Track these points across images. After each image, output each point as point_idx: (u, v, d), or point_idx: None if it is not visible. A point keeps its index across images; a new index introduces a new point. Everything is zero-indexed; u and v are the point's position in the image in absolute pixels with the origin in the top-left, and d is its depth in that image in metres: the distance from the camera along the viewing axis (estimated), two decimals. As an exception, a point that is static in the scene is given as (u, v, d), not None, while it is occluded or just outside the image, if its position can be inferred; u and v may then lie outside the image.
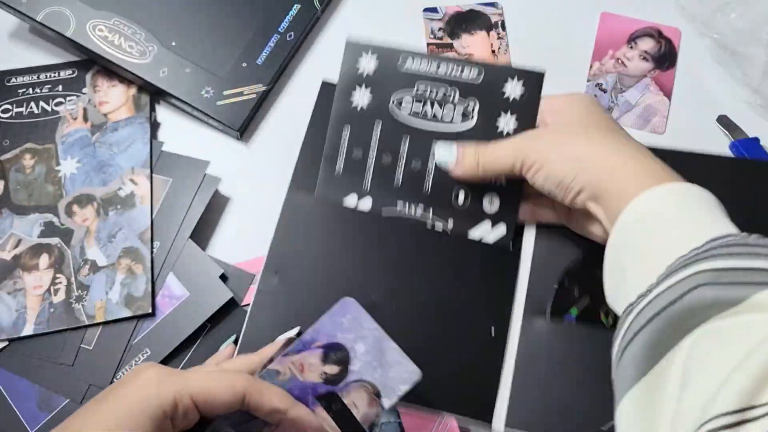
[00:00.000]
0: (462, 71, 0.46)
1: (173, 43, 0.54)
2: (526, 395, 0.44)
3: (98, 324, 0.47)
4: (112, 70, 0.55)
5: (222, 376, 0.35)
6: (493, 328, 0.45)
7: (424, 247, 0.46)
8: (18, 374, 0.46)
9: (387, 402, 0.37)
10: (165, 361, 0.46)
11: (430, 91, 0.46)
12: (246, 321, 0.43)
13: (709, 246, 0.32)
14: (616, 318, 0.47)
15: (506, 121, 0.46)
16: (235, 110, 0.53)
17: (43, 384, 0.45)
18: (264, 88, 0.54)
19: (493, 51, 0.58)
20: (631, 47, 0.58)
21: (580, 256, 0.48)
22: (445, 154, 0.45)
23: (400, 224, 0.47)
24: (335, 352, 0.37)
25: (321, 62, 0.57)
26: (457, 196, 0.46)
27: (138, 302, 0.47)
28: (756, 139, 0.54)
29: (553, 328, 0.46)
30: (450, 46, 0.58)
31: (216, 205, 0.52)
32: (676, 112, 0.56)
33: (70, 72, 0.56)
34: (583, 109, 0.43)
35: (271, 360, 0.37)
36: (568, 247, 0.48)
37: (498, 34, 0.59)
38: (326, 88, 0.49)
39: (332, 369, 0.37)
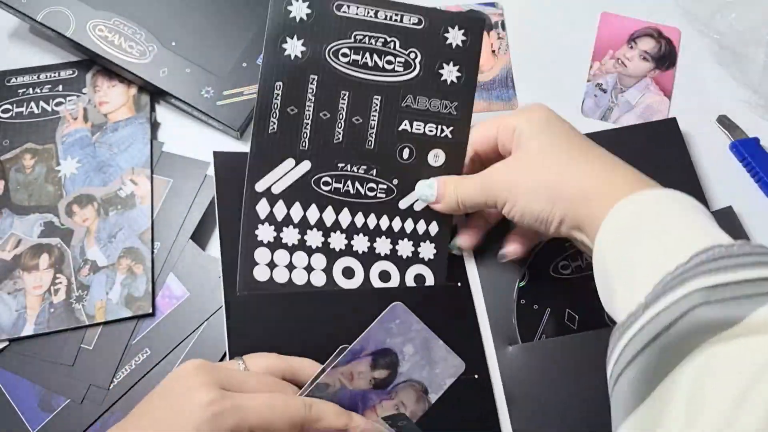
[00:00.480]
0: (402, 18, 0.43)
1: (173, 43, 0.54)
2: (528, 427, 0.44)
3: (98, 324, 0.47)
4: (112, 70, 0.55)
5: (278, 404, 0.34)
6: (476, 374, 0.45)
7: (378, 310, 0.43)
8: (18, 374, 0.46)
9: (434, 396, 0.38)
10: (162, 361, 0.46)
11: (369, 40, 0.42)
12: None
13: (695, 261, 0.31)
14: (579, 321, 0.46)
15: (449, 71, 0.44)
16: (235, 110, 0.53)
17: (43, 384, 0.45)
18: (264, 88, 0.54)
19: (493, 51, 0.58)
20: (631, 47, 0.58)
21: (526, 273, 0.48)
22: (426, 192, 0.45)
23: (345, 295, 0.44)
24: (384, 358, 0.38)
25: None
26: (401, 152, 0.44)
27: (138, 302, 0.47)
28: (756, 139, 0.54)
29: (528, 350, 0.46)
30: (450, 46, 0.58)
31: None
32: (676, 112, 0.56)
33: (70, 72, 0.55)
34: (545, 127, 0.41)
35: (322, 371, 0.37)
36: (512, 268, 0.48)
37: (498, 34, 0.58)
38: (221, 158, 0.45)
39: (381, 374, 0.38)
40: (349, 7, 0.42)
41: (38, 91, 0.55)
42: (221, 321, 0.47)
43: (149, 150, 0.52)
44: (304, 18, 0.41)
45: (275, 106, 0.42)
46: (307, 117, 0.42)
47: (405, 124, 0.44)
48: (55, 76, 0.55)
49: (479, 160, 0.46)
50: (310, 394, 0.36)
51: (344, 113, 0.42)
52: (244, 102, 0.53)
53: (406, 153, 0.44)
